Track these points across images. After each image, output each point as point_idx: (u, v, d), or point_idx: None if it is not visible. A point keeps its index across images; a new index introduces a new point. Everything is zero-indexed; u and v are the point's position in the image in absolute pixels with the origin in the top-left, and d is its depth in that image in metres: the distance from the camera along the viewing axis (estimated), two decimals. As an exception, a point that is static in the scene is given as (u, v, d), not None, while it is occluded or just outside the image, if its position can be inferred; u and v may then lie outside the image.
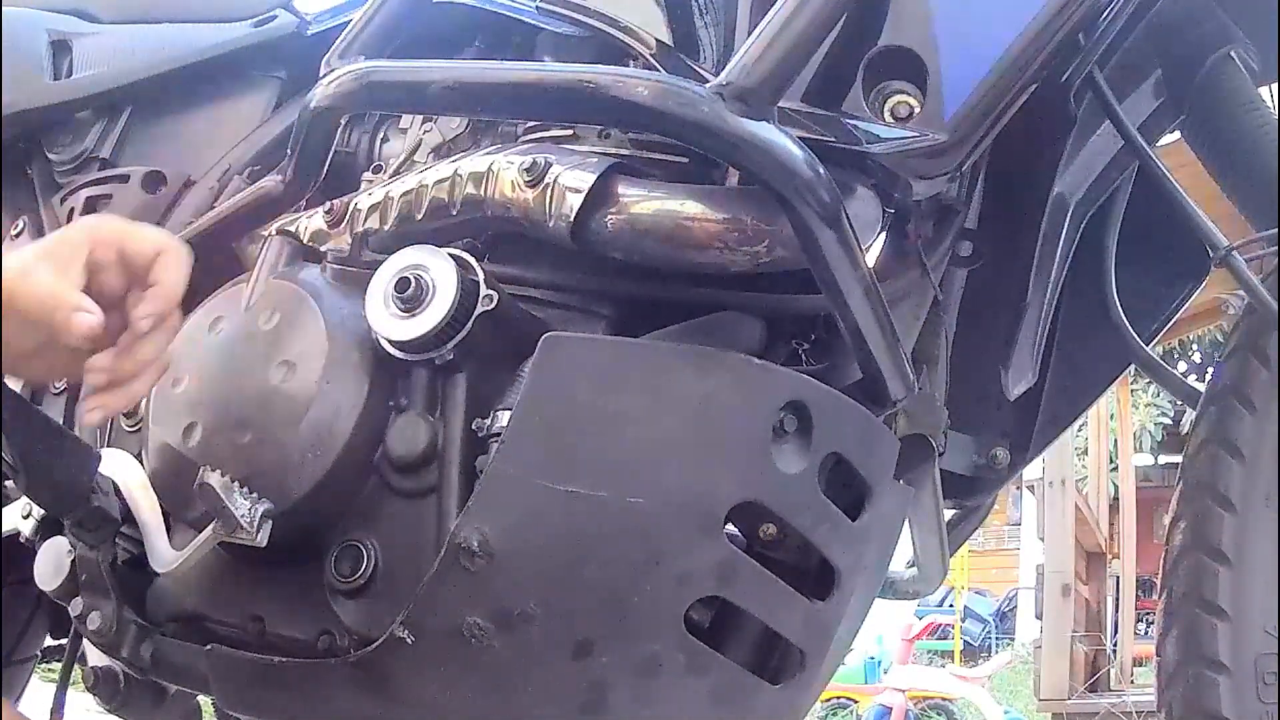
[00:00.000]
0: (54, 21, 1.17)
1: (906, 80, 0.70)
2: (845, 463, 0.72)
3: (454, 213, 0.78)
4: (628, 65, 0.78)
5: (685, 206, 0.70)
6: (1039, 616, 5.48)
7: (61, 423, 0.86)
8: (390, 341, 0.72)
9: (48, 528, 0.85)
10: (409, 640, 0.67)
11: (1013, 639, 9.65)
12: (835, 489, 0.72)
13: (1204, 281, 1.01)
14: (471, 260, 0.73)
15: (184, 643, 0.79)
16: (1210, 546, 0.83)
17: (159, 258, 0.71)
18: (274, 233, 0.86)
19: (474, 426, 0.72)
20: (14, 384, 0.95)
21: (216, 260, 0.94)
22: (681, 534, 0.67)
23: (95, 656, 0.86)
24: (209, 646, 0.76)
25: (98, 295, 0.69)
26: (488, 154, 0.79)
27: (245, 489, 0.70)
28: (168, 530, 0.78)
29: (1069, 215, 0.89)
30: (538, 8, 0.81)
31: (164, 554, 0.77)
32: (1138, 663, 5.72)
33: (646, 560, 0.67)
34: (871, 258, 0.73)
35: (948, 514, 1.03)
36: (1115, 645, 5.75)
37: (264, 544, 0.71)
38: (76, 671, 0.94)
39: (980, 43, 0.69)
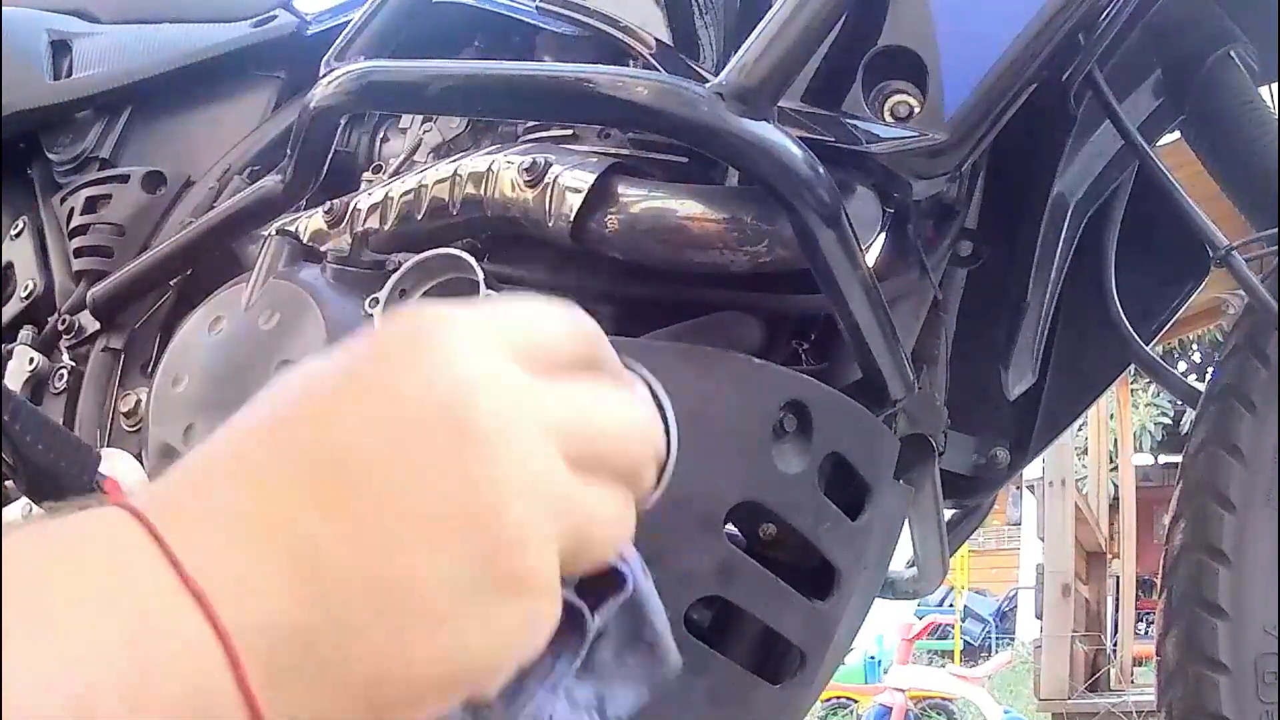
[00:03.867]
0: (54, 21, 1.17)
1: (906, 80, 0.70)
2: (845, 463, 0.72)
3: (454, 213, 0.78)
4: (628, 65, 0.78)
5: (685, 206, 0.70)
6: (1039, 616, 5.49)
7: (61, 423, 0.86)
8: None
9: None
10: (409, 640, 0.66)
11: (1013, 639, 9.65)
12: (835, 489, 0.72)
13: (1204, 281, 1.01)
14: (471, 260, 0.73)
15: (184, 643, 0.79)
16: (1210, 546, 0.83)
17: None
18: (274, 233, 0.86)
19: (474, 426, 0.72)
20: (13, 384, 0.94)
21: (216, 260, 0.94)
22: (681, 533, 0.67)
23: (95, 656, 0.86)
24: (209, 646, 0.76)
25: None
26: (488, 154, 0.78)
27: (245, 489, 0.70)
28: (168, 530, 0.78)
29: (1069, 215, 0.89)
30: (538, 8, 0.81)
31: (164, 554, 0.77)
32: (1138, 663, 5.73)
33: (646, 559, 0.66)
34: (871, 258, 0.73)
35: (948, 514, 1.03)
36: (1115, 645, 5.75)
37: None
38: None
39: (980, 43, 0.69)
